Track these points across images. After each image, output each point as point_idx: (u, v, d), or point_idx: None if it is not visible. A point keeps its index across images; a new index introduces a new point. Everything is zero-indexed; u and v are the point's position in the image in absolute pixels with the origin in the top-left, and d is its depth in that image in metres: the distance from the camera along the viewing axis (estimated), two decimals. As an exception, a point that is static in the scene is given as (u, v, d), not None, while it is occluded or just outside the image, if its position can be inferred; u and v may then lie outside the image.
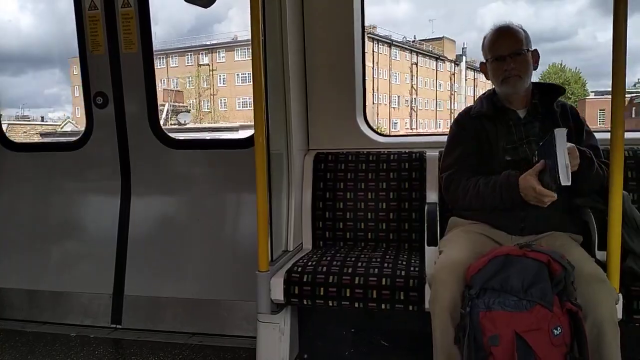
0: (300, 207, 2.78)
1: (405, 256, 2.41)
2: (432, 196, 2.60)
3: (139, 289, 3.16)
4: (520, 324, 1.62)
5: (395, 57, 26.82)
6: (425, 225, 2.33)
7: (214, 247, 3.16)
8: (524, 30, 2.19)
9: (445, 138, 2.50)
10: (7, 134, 3.51)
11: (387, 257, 2.39)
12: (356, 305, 2.21)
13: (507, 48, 2.13)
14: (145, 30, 3.12)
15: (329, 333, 2.52)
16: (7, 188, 3.46)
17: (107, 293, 3.19)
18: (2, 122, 3.56)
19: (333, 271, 2.27)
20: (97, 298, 3.20)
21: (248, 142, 2.97)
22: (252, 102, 2.28)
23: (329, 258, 2.41)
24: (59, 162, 3.39)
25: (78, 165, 3.35)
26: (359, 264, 2.31)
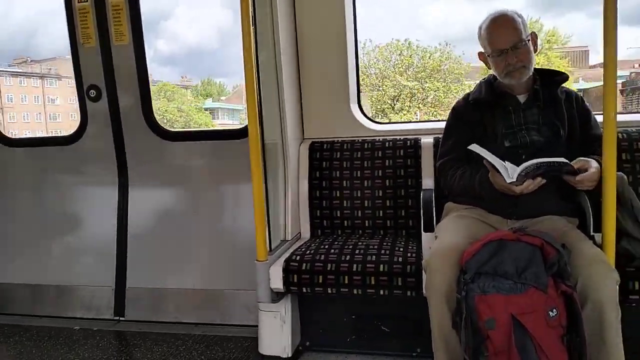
0: (297, 196, 2.80)
1: (403, 242, 2.44)
2: (427, 182, 2.61)
3: (141, 281, 3.19)
4: (515, 306, 1.64)
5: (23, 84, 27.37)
6: (421, 211, 2.35)
7: (213, 237, 3.18)
8: (519, 16, 2.12)
9: (440, 124, 2.51)
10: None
11: (385, 244, 2.41)
12: (355, 291, 2.24)
13: (507, 41, 2.07)
14: (136, 22, 3.09)
15: (329, 320, 2.55)
16: (4, 183, 3.47)
17: (109, 286, 3.22)
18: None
19: (331, 259, 2.29)
20: (99, 291, 3.22)
21: (243, 132, 2.98)
22: (245, 93, 2.28)
23: (326, 246, 2.43)
24: (54, 157, 3.39)
25: (74, 160, 3.35)
26: (357, 251, 2.33)
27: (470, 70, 17.74)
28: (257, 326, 2.53)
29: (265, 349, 2.48)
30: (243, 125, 3.05)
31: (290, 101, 2.78)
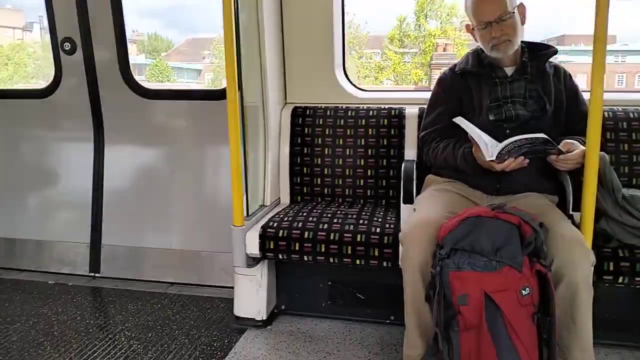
0: (278, 161, 2.75)
1: (382, 213, 2.42)
2: (410, 153, 2.58)
3: (117, 239, 3.17)
4: (489, 284, 1.64)
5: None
6: (402, 182, 2.33)
7: (192, 198, 3.14)
8: None
9: (426, 94, 2.46)
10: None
11: (364, 213, 2.40)
12: (331, 260, 2.23)
13: (491, 14, 2.01)
14: None
15: (305, 285, 2.56)
16: None
17: (85, 242, 3.19)
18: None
19: (308, 227, 2.27)
20: (75, 247, 3.20)
21: (224, 94, 2.89)
22: (225, 55, 2.20)
23: (305, 214, 2.41)
24: (28, 110, 3.28)
25: (49, 114, 3.24)
26: (335, 220, 2.31)
27: (368, 39, 17.34)
28: (231, 287, 2.53)
29: (240, 311, 2.49)
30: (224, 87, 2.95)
31: (272, 63, 2.69)
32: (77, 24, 3.02)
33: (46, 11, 3.05)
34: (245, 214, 2.38)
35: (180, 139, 3.16)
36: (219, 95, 2.96)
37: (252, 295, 2.46)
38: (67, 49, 3.07)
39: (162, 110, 3.16)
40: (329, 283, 2.52)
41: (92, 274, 3.17)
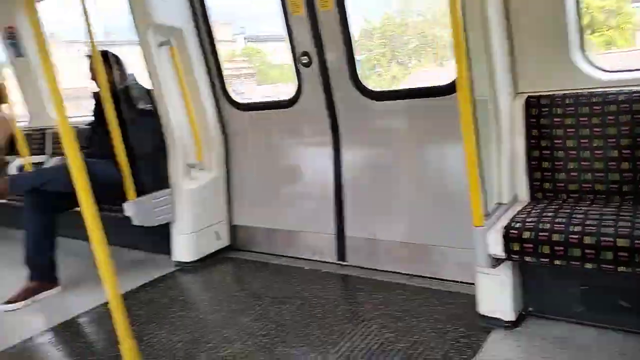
0: (512, 157, 2.67)
1: (645, 213, 2.18)
2: None
3: (358, 231, 3.50)
4: None
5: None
6: None
7: (422, 194, 3.28)
8: None
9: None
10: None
11: (622, 214, 2.19)
12: (587, 266, 2.10)
13: None
14: None
15: (554, 288, 2.47)
16: (240, 142, 4.04)
17: (331, 233, 3.60)
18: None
19: (557, 229, 2.17)
20: (322, 238, 3.65)
21: (449, 89, 2.89)
22: (453, 46, 2.18)
23: (551, 213, 2.30)
24: (278, 119, 3.82)
25: (293, 121, 3.73)
26: (588, 222, 2.16)
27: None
28: (471, 284, 2.59)
29: (484, 309, 2.53)
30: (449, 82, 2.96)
31: (499, 52, 2.59)
32: (311, 38, 3.37)
33: (286, 29, 3.48)
34: (484, 213, 2.39)
35: (408, 137, 3.31)
36: (444, 91, 3.00)
37: (496, 295, 2.48)
38: (304, 62, 3.45)
39: (391, 111, 3.35)
40: (582, 287, 2.39)
41: (340, 262, 3.57)
